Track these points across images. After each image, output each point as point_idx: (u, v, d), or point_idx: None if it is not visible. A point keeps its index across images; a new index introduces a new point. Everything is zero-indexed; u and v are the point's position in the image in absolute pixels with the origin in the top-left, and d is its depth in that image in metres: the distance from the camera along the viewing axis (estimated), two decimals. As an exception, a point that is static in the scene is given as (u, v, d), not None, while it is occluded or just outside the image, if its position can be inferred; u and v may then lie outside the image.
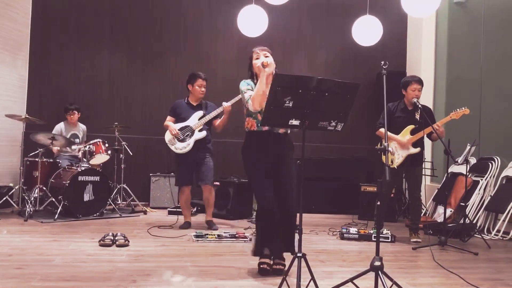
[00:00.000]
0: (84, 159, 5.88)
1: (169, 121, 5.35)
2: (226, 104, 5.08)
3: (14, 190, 6.05)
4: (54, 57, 7.20)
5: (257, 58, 3.55)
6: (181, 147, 5.19)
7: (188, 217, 5.40)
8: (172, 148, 5.23)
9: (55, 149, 6.19)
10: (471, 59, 6.77)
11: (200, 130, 5.23)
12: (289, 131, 3.60)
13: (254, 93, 3.40)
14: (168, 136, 5.24)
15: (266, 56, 3.54)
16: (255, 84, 3.53)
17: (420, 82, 4.89)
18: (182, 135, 5.20)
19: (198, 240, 4.58)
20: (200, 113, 5.29)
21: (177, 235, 4.85)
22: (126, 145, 6.49)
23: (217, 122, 5.23)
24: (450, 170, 6.43)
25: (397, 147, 4.93)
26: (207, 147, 5.30)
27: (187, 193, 5.32)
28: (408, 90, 4.89)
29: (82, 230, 4.95)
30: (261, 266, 3.45)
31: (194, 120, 5.26)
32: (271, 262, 3.48)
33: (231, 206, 6.11)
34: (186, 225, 5.29)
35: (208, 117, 5.20)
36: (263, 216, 3.49)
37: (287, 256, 3.37)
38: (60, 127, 6.44)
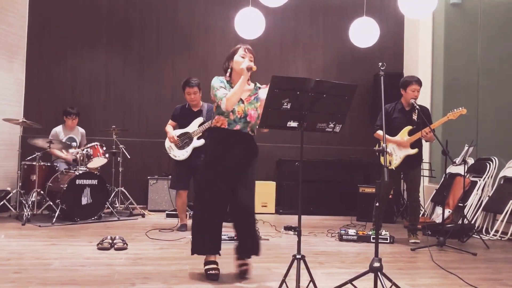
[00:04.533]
0: (82, 162, 5.87)
1: (169, 125, 5.36)
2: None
3: (11, 194, 6.04)
4: (51, 61, 7.19)
5: (243, 57, 3.38)
6: (179, 155, 5.20)
7: (184, 220, 5.40)
8: (171, 155, 5.24)
9: (58, 152, 6.16)
10: (468, 60, 6.79)
11: (199, 138, 5.20)
12: (255, 133, 3.50)
13: (231, 94, 3.25)
14: (167, 143, 5.26)
15: (251, 60, 3.39)
16: (228, 81, 3.44)
17: (419, 82, 4.91)
18: (180, 142, 5.20)
19: (196, 243, 4.57)
20: (200, 119, 5.26)
21: (176, 238, 4.84)
22: (123, 148, 6.48)
23: None
24: (448, 170, 6.45)
25: (395, 148, 4.93)
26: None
27: (184, 197, 5.32)
28: (408, 91, 4.89)
29: (80, 233, 4.94)
30: (209, 272, 3.38)
31: (194, 126, 5.25)
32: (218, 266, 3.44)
33: (229, 208, 6.09)
34: (183, 228, 5.29)
35: (207, 124, 5.15)
36: (211, 218, 3.39)
37: (287, 258, 3.36)
38: (56, 131, 6.41)
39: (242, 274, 3.43)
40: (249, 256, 3.48)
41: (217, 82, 3.40)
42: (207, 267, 3.42)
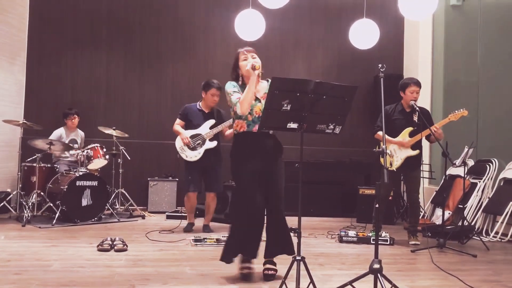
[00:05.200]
0: (82, 164, 5.87)
1: (178, 124, 5.33)
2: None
3: (12, 195, 6.03)
4: (51, 62, 7.19)
5: (245, 60, 3.46)
6: (192, 156, 5.18)
7: (192, 219, 5.41)
8: (183, 156, 5.22)
9: (57, 152, 6.16)
10: (468, 61, 6.79)
11: (211, 140, 5.20)
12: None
13: (243, 97, 3.32)
14: (179, 143, 5.24)
15: (254, 58, 3.46)
16: (240, 85, 3.48)
17: (418, 84, 4.90)
18: (193, 143, 5.19)
19: (196, 244, 4.58)
20: (211, 121, 5.26)
21: (176, 239, 4.84)
22: (124, 149, 6.48)
23: (227, 131, 5.10)
24: (448, 172, 6.45)
25: (396, 150, 4.93)
26: (217, 155, 5.29)
27: (193, 200, 5.32)
28: (407, 92, 4.90)
29: (80, 235, 4.94)
30: (244, 271, 3.40)
31: (206, 128, 5.24)
32: (252, 266, 3.45)
33: (230, 210, 6.09)
34: (189, 227, 5.31)
35: (220, 127, 5.16)
36: (250, 221, 3.39)
37: (287, 259, 3.35)
38: (59, 132, 6.42)
39: (268, 278, 3.43)
40: (282, 253, 3.51)
41: (230, 87, 3.47)
42: (242, 265, 3.44)
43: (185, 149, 5.20)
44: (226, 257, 3.45)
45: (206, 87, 5.26)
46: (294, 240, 3.15)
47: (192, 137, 5.22)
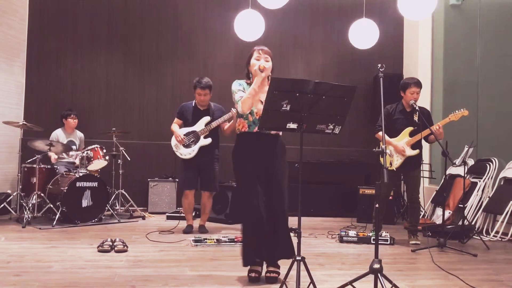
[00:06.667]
0: (82, 165, 5.87)
1: (175, 123, 5.34)
2: (235, 111, 5.04)
3: (12, 196, 6.03)
4: (51, 63, 7.20)
5: (257, 60, 3.44)
6: (186, 153, 5.17)
7: (190, 220, 5.40)
8: (177, 153, 5.22)
9: (53, 158, 6.14)
10: (467, 61, 6.79)
11: (206, 137, 5.19)
12: (281, 133, 3.50)
13: (245, 96, 3.32)
14: (173, 141, 5.24)
15: (267, 61, 3.45)
16: (248, 84, 3.48)
17: (418, 84, 4.90)
18: (187, 140, 5.18)
19: (197, 245, 4.57)
20: (207, 118, 5.25)
21: (176, 240, 4.84)
22: (124, 150, 6.49)
23: (226, 126, 5.12)
24: (448, 172, 6.45)
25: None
26: (213, 153, 5.27)
27: (190, 198, 5.29)
28: (407, 93, 4.89)
29: (81, 236, 4.94)
30: (251, 274, 3.38)
31: (201, 125, 5.24)
32: (261, 270, 3.43)
33: (230, 210, 6.09)
34: (189, 229, 5.29)
35: (215, 124, 5.15)
36: (252, 224, 3.38)
37: (287, 260, 3.35)
38: (56, 134, 6.40)
39: (269, 280, 3.40)
40: (274, 261, 3.45)
41: (236, 85, 3.48)
42: (250, 268, 3.41)
43: (179, 146, 5.19)
44: (245, 261, 3.43)
45: (194, 86, 5.28)
46: (294, 240, 3.13)
47: (187, 134, 5.21)
